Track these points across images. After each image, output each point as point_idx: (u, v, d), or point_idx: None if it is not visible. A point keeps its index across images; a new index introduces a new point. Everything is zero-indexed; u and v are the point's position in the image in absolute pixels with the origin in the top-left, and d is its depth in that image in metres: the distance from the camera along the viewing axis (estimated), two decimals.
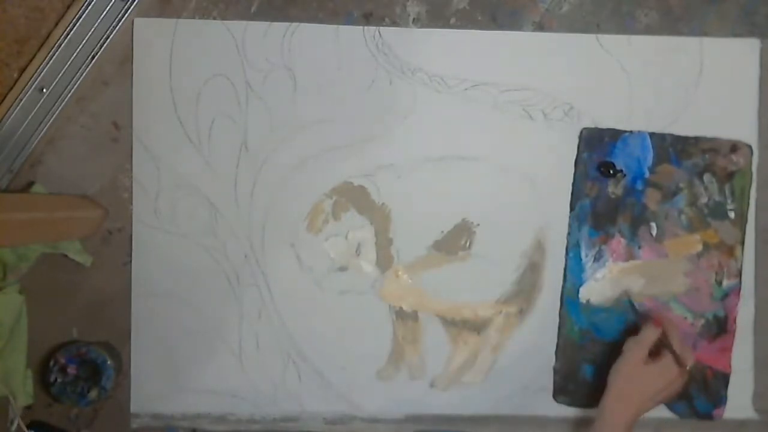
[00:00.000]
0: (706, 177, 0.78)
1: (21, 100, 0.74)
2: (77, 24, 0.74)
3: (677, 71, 0.77)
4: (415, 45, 0.76)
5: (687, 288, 0.78)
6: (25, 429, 0.72)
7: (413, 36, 0.76)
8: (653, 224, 0.77)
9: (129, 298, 0.76)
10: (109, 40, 0.74)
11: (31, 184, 0.75)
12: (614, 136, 0.77)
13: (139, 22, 0.75)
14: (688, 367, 0.71)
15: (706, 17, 0.78)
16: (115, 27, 0.74)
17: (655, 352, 0.72)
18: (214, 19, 0.75)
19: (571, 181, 0.77)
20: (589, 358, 0.77)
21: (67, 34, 0.74)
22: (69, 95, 0.75)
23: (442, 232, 0.77)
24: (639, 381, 0.71)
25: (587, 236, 0.77)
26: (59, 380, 0.73)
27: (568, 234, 0.77)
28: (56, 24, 0.74)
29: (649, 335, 0.72)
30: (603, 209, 0.77)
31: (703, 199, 0.78)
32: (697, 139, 0.77)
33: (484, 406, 0.77)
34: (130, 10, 0.74)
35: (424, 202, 0.77)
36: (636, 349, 0.72)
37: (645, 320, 0.74)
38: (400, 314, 0.77)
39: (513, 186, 0.77)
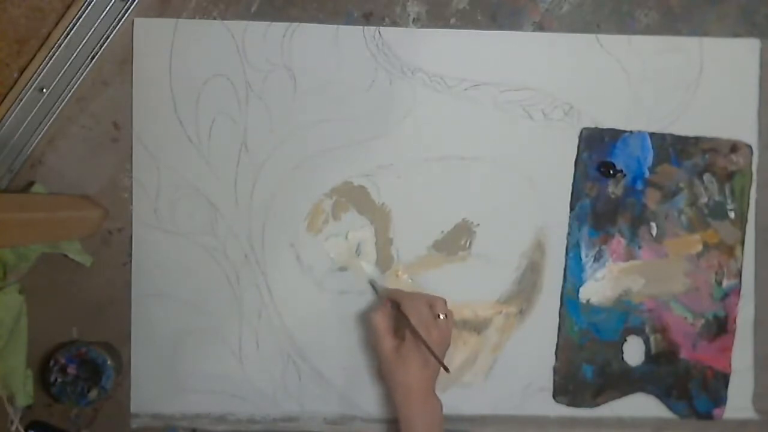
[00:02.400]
0: (706, 177, 0.78)
1: (21, 100, 0.74)
2: (77, 24, 0.74)
3: (677, 71, 0.77)
4: (415, 45, 0.76)
5: (687, 288, 0.78)
6: (21, 430, 0.72)
7: (413, 36, 0.76)
8: (653, 224, 0.77)
9: (129, 298, 0.76)
10: (109, 40, 0.74)
11: (31, 184, 0.75)
12: (614, 136, 0.77)
13: (139, 22, 0.75)
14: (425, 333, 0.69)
15: (706, 17, 0.78)
16: (115, 27, 0.74)
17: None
18: (214, 19, 0.75)
19: (571, 181, 0.77)
20: (589, 358, 0.77)
21: (67, 34, 0.74)
22: (69, 95, 0.75)
23: (442, 232, 0.77)
24: (404, 370, 0.69)
25: (587, 236, 0.77)
26: (59, 380, 0.73)
27: (568, 234, 0.77)
28: (56, 24, 0.74)
29: (377, 322, 0.71)
30: (603, 209, 0.77)
31: (703, 199, 0.78)
32: (697, 139, 0.77)
33: (484, 406, 0.77)
34: (130, 10, 0.74)
35: (424, 202, 0.77)
36: (379, 344, 0.71)
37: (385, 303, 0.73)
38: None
39: (513, 186, 0.77)
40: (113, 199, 0.75)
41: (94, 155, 0.75)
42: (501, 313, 0.77)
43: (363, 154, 0.76)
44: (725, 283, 0.78)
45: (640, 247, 0.77)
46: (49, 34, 0.74)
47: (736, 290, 0.78)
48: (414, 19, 0.77)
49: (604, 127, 0.77)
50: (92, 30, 0.74)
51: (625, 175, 0.77)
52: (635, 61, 0.77)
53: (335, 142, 0.76)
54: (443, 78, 0.76)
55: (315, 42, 0.76)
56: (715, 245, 0.78)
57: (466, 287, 0.77)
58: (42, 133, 0.75)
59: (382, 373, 0.74)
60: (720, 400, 0.78)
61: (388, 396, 0.75)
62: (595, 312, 0.77)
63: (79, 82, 0.75)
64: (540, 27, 0.77)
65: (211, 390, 0.76)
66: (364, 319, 0.76)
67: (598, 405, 0.78)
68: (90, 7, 0.74)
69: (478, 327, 0.77)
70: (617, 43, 0.77)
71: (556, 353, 0.77)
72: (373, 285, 0.76)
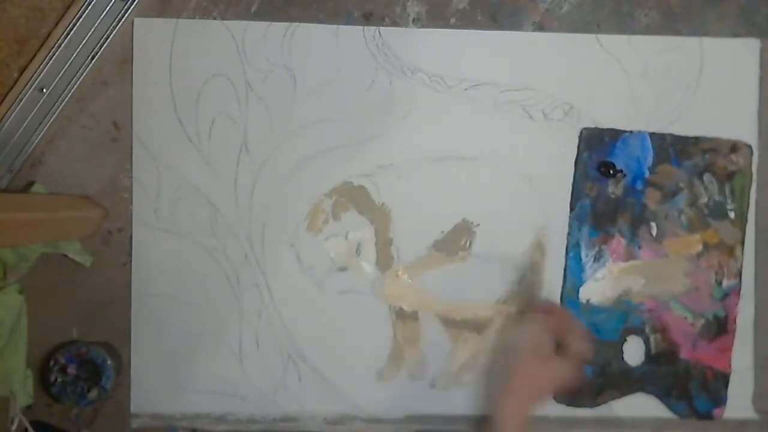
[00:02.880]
0: (706, 177, 0.78)
1: (21, 100, 0.74)
2: (77, 24, 0.74)
3: (677, 71, 0.77)
4: (415, 45, 0.76)
5: (687, 288, 0.78)
6: (28, 425, 0.72)
7: (413, 36, 0.76)
8: (653, 224, 0.77)
9: (129, 298, 0.76)
10: (109, 40, 0.74)
11: (31, 184, 0.75)
12: (614, 136, 0.77)
13: (139, 22, 0.75)
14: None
15: (706, 17, 0.78)
16: (115, 27, 0.74)
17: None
18: (214, 19, 0.75)
19: (571, 181, 0.77)
20: (588, 358, 0.77)
21: (67, 34, 0.74)
22: (69, 95, 0.75)
23: (442, 232, 0.77)
24: (534, 376, 0.67)
25: (587, 236, 0.77)
26: (59, 380, 0.73)
27: (568, 234, 0.77)
28: (56, 24, 0.74)
29: (529, 338, 0.69)
30: (603, 209, 0.77)
31: (703, 199, 0.78)
32: (697, 139, 0.77)
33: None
34: (130, 10, 0.74)
35: (424, 202, 0.77)
36: (520, 359, 0.68)
37: (541, 312, 0.72)
38: (400, 314, 0.77)
39: (513, 186, 0.77)
40: (113, 199, 0.75)
41: (94, 155, 0.75)
42: (501, 313, 0.77)
43: (363, 154, 0.76)
44: (725, 283, 0.78)
45: (640, 247, 0.77)
46: (49, 34, 0.74)
47: (736, 290, 0.78)
48: (414, 19, 0.77)
49: (604, 127, 0.77)
50: (92, 30, 0.74)
51: (625, 175, 0.77)
52: (635, 61, 0.77)
53: (335, 142, 0.76)
54: (443, 78, 0.76)
55: (315, 42, 0.76)
56: (715, 245, 0.78)
57: (466, 287, 0.77)
58: (42, 133, 0.75)
59: (496, 381, 0.69)
60: (720, 400, 0.78)
61: (482, 401, 0.70)
62: (595, 312, 0.77)
63: (79, 82, 0.75)
64: (540, 27, 0.77)
65: (211, 390, 0.76)
66: (516, 322, 0.74)
67: (598, 405, 0.78)
68: (90, 7, 0.74)
69: (478, 327, 0.77)
70: (617, 43, 0.77)
71: None
72: (526, 283, 0.74)
